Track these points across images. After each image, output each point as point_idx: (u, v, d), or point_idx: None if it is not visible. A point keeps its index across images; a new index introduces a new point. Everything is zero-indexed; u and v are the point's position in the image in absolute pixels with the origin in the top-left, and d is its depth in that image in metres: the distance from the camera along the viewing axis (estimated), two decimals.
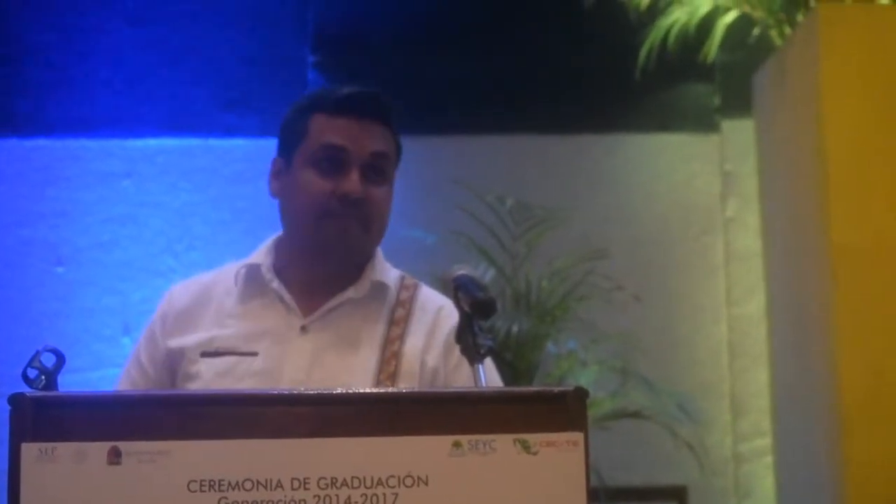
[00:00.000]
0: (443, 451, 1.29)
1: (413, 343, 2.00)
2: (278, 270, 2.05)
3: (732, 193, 4.29)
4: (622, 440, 3.79)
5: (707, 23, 4.02)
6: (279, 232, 2.10)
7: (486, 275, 3.71)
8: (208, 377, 1.95)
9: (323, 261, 2.02)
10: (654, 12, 4.00)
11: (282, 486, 1.27)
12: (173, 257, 4.13)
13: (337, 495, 1.28)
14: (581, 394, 1.33)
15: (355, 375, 1.95)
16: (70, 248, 4.12)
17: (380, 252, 2.09)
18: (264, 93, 4.19)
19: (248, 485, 1.27)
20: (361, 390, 1.44)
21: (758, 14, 4.02)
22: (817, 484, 3.62)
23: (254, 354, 1.97)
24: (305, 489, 1.27)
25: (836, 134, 3.55)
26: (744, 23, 4.08)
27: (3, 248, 4.11)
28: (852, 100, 3.56)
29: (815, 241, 3.63)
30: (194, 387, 1.95)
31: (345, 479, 1.28)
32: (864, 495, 3.37)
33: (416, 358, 1.98)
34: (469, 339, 1.64)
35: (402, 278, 2.09)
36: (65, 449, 1.26)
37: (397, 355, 1.98)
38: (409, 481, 1.29)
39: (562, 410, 1.32)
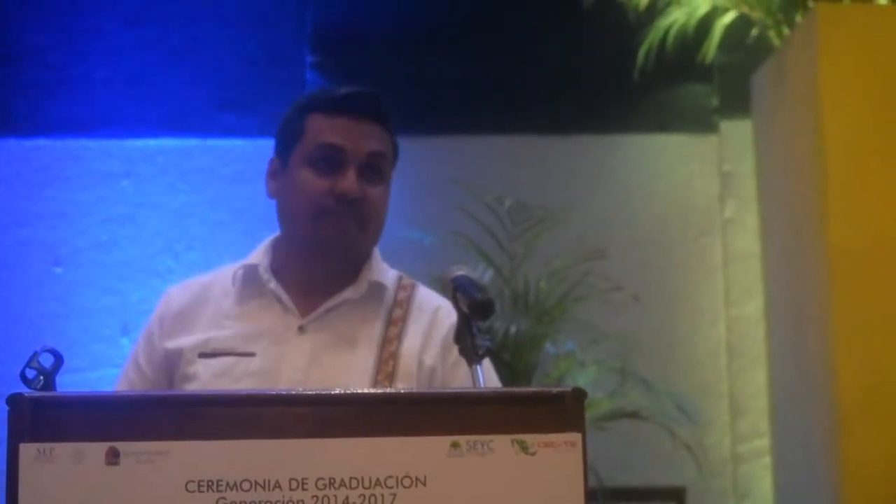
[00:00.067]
0: (441, 452, 1.29)
1: (410, 343, 2.00)
2: (276, 271, 2.05)
3: (731, 194, 4.29)
4: (620, 441, 3.80)
5: (705, 23, 4.02)
6: (277, 233, 2.10)
7: (484, 275, 3.72)
8: (206, 378, 1.95)
9: (321, 261, 2.02)
10: (653, 13, 4.00)
11: (280, 487, 1.27)
12: (172, 258, 4.13)
13: (335, 496, 1.28)
14: (579, 394, 1.33)
15: (353, 375, 1.95)
16: (69, 249, 4.12)
17: (377, 252, 2.09)
18: (263, 93, 4.19)
19: (246, 485, 1.27)
20: (360, 391, 1.43)
21: (756, 15, 4.02)
22: (815, 484, 3.62)
23: (251, 355, 1.97)
24: (304, 490, 1.27)
25: (835, 134, 3.56)
26: (742, 23, 4.08)
27: (2, 248, 4.11)
28: (851, 100, 3.57)
29: (814, 242, 3.63)
30: (192, 388, 1.94)
31: (343, 480, 1.28)
32: (862, 495, 3.37)
33: (413, 358, 1.98)
34: (467, 340, 1.64)
35: (400, 278, 2.09)
36: (63, 449, 1.26)
37: (395, 355, 1.98)
38: (407, 482, 1.29)
39: (560, 411, 1.32)
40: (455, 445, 1.30)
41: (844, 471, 3.39)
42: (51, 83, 4.20)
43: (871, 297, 3.47)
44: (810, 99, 3.64)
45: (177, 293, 2.09)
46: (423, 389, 1.91)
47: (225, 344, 1.99)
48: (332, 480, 1.28)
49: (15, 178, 4.15)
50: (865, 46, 3.60)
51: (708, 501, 4.10)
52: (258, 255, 2.08)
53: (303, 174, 1.99)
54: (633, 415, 3.71)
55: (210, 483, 1.27)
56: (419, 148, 3.97)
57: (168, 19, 4.28)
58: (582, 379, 3.63)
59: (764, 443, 4.14)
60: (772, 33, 4.01)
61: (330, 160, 1.99)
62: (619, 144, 4.34)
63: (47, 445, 1.26)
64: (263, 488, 1.27)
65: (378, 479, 1.28)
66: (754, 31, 4.11)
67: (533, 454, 1.30)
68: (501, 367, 2.86)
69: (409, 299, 2.05)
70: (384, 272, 2.08)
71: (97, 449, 1.27)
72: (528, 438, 1.30)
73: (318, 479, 1.28)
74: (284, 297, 2.02)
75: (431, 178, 4.07)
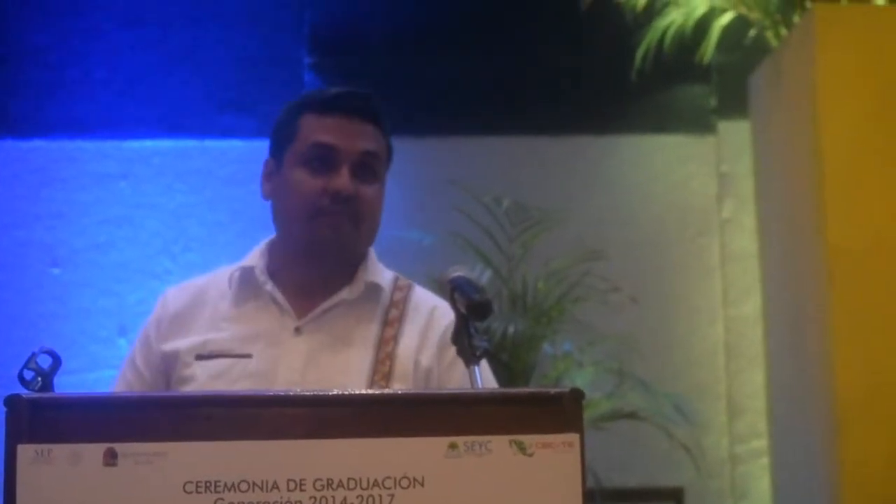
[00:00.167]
0: (439, 453, 1.29)
1: (407, 343, 2.00)
2: (272, 273, 2.05)
3: (729, 194, 4.29)
4: (618, 441, 3.80)
5: (703, 24, 4.02)
6: (273, 234, 2.10)
7: (482, 276, 3.71)
8: (203, 380, 1.95)
9: (317, 262, 2.02)
10: (651, 13, 4.00)
11: (278, 488, 1.27)
12: (169, 259, 4.13)
13: (333, 496, 1.27)
14: (577, 395, 1.33)
15: (350, 376, 1.95)
16: (66, 250, 4.12)
17: (373, 253, 2.09)
18: (261, 94, 4.19)
19: (244, 486, 1.27)
20: (357, 391, 1.44)
21: (754, 15, 4.02)
22: (814, 485, 3.62)
23: (248, 356, 1.97)
24: (301, 490, 1.27)
25: (833, 135, 3.56)
26: (740, 24, 4.08)
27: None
28: (848, 101, 3.57)
29: (812, 242, 3.63)
30: (189, 390, 1.95)
31: (341, 481, 1.28)
32: (860, 496, 3.37)
33: (410, 358, 1.98)
34: (465, 341, 1.64)
35: (396, 279, 2.09)
36: (61, 450, 1.26)
37: (391, 356, 1.98)
38: (405, 483, 1.29)
39: (558, 412, 1.32)
40: (453, 446, 1.30)
41: (843, 471, 3.39)
42: (48, 84, 4.20)
43: (870, 297, 3.47)
44: (808, 99, 3.65)
45: (173, 295, 2.09)
46: (421, 390, 1.91)
47: (221, 346, 1.99)
48: (330, 481, 1.28)
49: (13, 179, 4.14)
50: (863, 47, 3.60)
51: (706, 502, 4.10)
52: (254, 257, 2.08)
53: (297, 174, 2.00)
54: (631, 415, 3.71)
55: (208, 484, 1.27)
56: (417, 148, 3.97)
57: (166, 20, 4.28)
58: (580, 379, 3.63)
59: (762, 443, 4.14)
60: (769, 34, 4.02)
61: (323, 160, 1.99)
62: (616, 145, 4.34)
63: (45, 447, 1.26)
64: (261, 489, 1.27)
65: (376, 480, 1.28)
66: (752, 32, 4.11)
67: (531, 455, 1.30)
68: (499, 368, 2.86)
69: (405, 300, 2.05)
70: (380, 273, 2.08)
71: (95, 450, 1.27)
72: (526, 439, 1.30)
73: (315, 480, 1.28)
74: (281, 298, 2.02)
75: (429, 179, 4.07)
